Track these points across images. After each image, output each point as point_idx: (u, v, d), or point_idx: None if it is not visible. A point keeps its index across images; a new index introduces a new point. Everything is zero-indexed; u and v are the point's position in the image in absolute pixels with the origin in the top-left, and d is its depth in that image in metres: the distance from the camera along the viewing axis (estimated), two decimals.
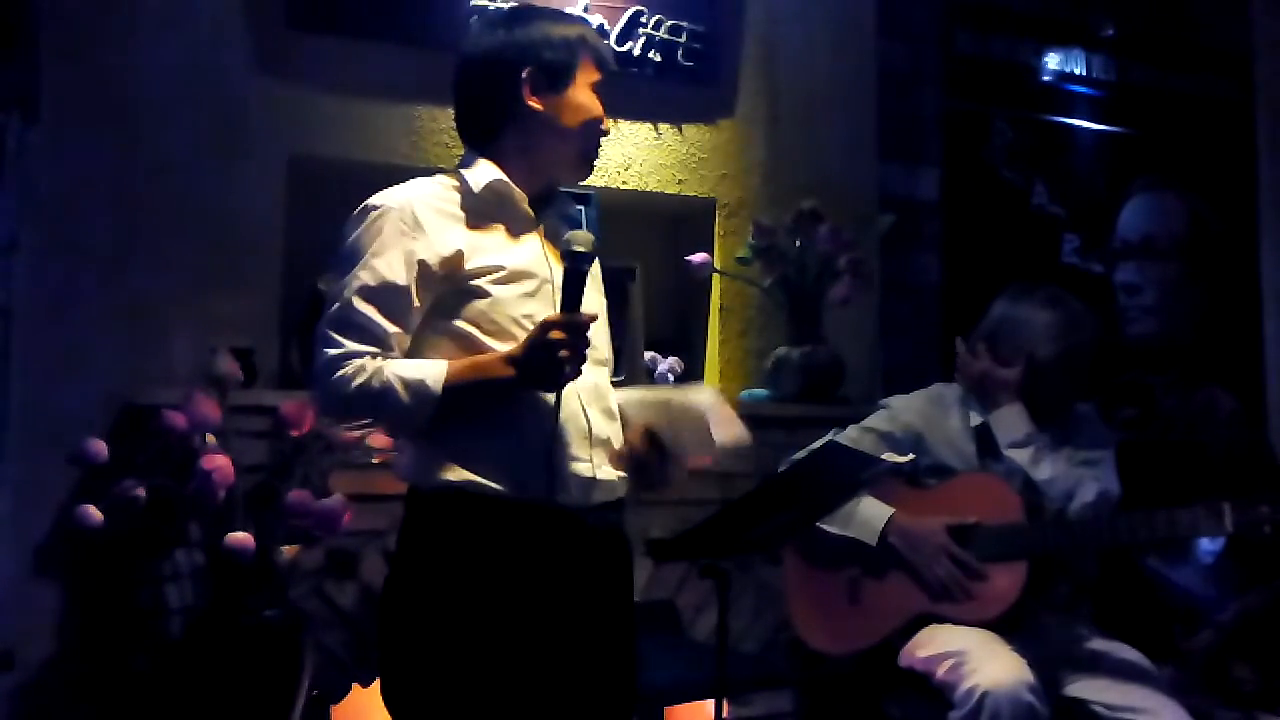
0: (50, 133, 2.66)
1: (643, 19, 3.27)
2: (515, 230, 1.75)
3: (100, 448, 2.45)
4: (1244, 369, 4.21)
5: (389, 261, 1.65)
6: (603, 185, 3.26)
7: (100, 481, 2.47)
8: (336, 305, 1.66)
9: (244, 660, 2.44)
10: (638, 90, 3.27)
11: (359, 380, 1.62)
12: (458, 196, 1.73)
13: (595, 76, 1.79)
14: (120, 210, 2.72)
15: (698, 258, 3.22)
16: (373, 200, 1.71)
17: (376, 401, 1.63)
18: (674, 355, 3.29)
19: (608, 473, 1.74)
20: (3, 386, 2.56)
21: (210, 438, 2.51)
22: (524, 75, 1.72)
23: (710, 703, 1.89)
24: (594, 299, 1.80)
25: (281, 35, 2.91)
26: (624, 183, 3.31)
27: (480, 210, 1.73)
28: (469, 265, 1.68)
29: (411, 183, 1.74)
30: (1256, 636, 3.22)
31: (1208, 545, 3.30)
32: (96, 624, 2.61)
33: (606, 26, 3.21)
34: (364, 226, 1.68)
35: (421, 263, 1.66)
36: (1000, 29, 4.12)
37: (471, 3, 3.05)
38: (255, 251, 2.86)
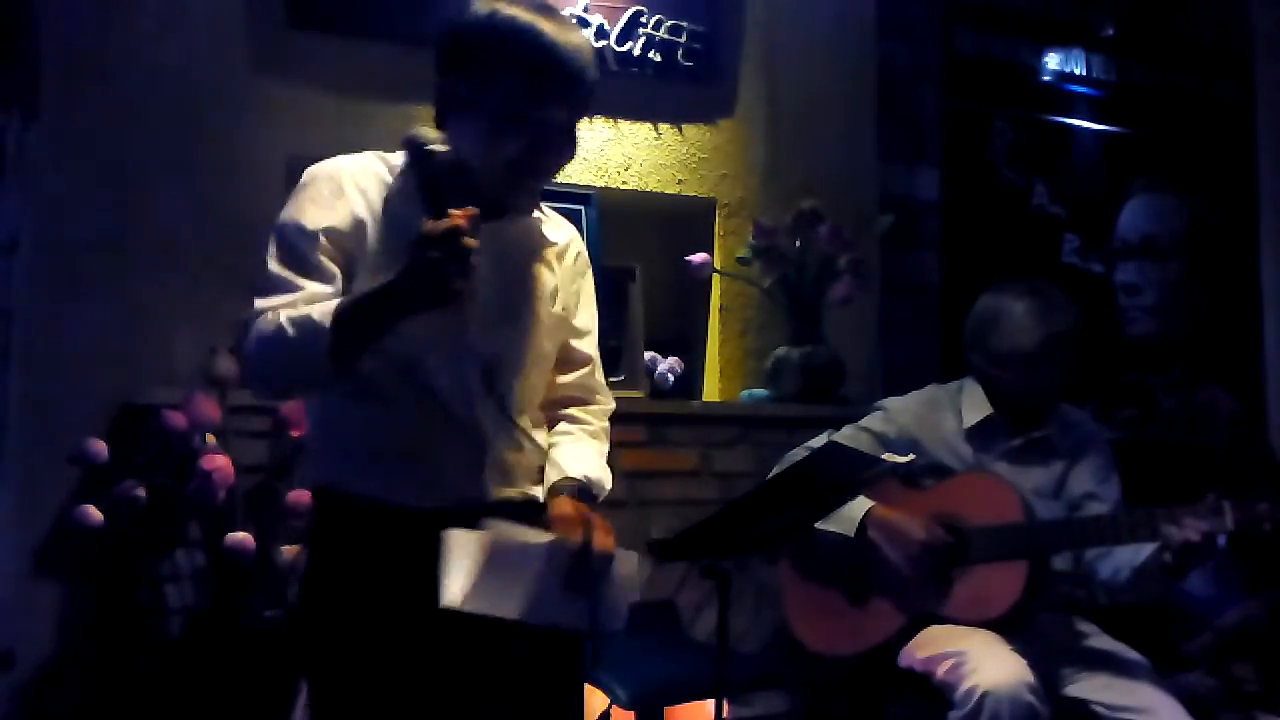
0: (50, 133, 2.66)
1: (643, 19, 3.27)
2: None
3: (100, 448, 2.45)
4: (1244, 369, 4.21)
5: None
6: (603, 185, 3.26)
7: (100, 481, 2.47)
8: (260, 277, 1.63)
9: (244, 660, 2.44)
10: (638, 90, 3.27)
11: (262, 327, 1.55)
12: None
13: (537, 81, 1.57)
14: (120, 210, 2.72)
15: (698, 258, 3.22)
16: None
17: (270, 348, 1.53)
18: (674, 355, 3.29)
19: (502, 475, 1.67)
20: (3, 386, 2.56)
21: (210, 438, 2.52)
22: (446, 78, 1.62)
23: (710, 703, 1.89)
24: (580, 288, 1.78)
25: (281, 35, 2.91)
26: (624, 183, 3.31)
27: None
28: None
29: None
30: (1257, 637, 3.22)
31: None
32: (96, 624, 2.61)
33: (606, 26, 3.20)
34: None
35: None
36: (1000, 29, 4.12)
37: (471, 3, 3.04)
38: (255, 252, 2.84)
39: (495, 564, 1.51)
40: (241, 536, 2.41)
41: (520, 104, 1.57)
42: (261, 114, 2.88)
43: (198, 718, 2.41)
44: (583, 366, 1.83)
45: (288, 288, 1.58)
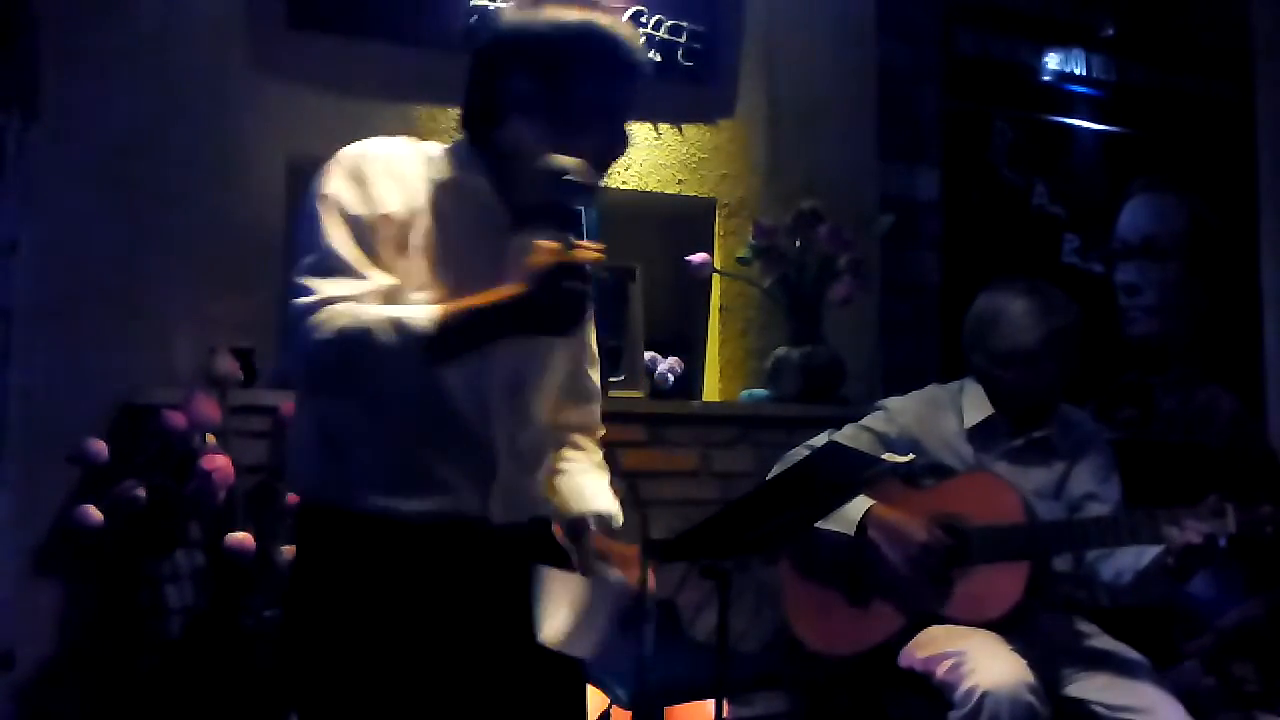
0: (50, 133, 2.66)
1: (643, 19, 3.27)
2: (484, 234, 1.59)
3: (100, 448, 2.45)
4: (1244, 369, 4.21)
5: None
6: (602, 185, 3.25)
7: (100, 481, 2.47)
8: (310, 256, 1.50)
9: (244, 660, 2.44)
10: (637, 90, 3.27)
11: (337, 322, 1.43)
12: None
13: (602, 83, 1.59)
14: (120, 210, 2.72)
15: (698, 258, 3.22)
16: None
17: (358, 346, 1.42)
18: (674, 355, 3.29)
19: (509, 496, 1.63)
20: (3, 386, 2.56)
21: (210, 438, 2.52)
22: (506, 77, 1.57)
23: (710, 703, 1.88)
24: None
25: (281, 35, 2.91)
26: (624, 183, 3.31)
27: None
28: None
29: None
30: (1257, 637, 3.22)
31: None
32: (96, 624, 2.61)
33: None
34: None
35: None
36: (1000, 29, 4.12)
37: (471, 2, 3.05)
38: (255, 252, 2.86)
39: (587, 605, 1.53)
40: (241, 536, 2.41)
41: (600, 95, 1.58)
42: (261, 114, 2.88)
43: (198, 718, 2.41)
44: (592, 401, 1.84)
45: (352, 273, 1.47)
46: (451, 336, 1.43)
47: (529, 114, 1.56)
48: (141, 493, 2.42)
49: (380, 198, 1.52)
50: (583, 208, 1.48)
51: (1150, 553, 2.29)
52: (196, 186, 2.80)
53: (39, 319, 2.63)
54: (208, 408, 2.49)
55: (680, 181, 3.41)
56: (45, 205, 2.66)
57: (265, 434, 2.61)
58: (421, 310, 1.44)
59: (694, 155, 3.43)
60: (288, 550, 2.50)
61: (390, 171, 1.55)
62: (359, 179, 1.53)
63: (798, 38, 3.57)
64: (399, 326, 1.41)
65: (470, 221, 1.57)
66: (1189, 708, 2.27)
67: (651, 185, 3.36)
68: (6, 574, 2.57)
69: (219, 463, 2.42)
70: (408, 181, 1.56)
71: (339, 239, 1.49)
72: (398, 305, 1.47)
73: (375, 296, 1.47)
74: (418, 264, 1.53)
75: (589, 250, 1.43)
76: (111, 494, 2.42)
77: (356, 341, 1.42)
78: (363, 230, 1.50)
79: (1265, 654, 3.19)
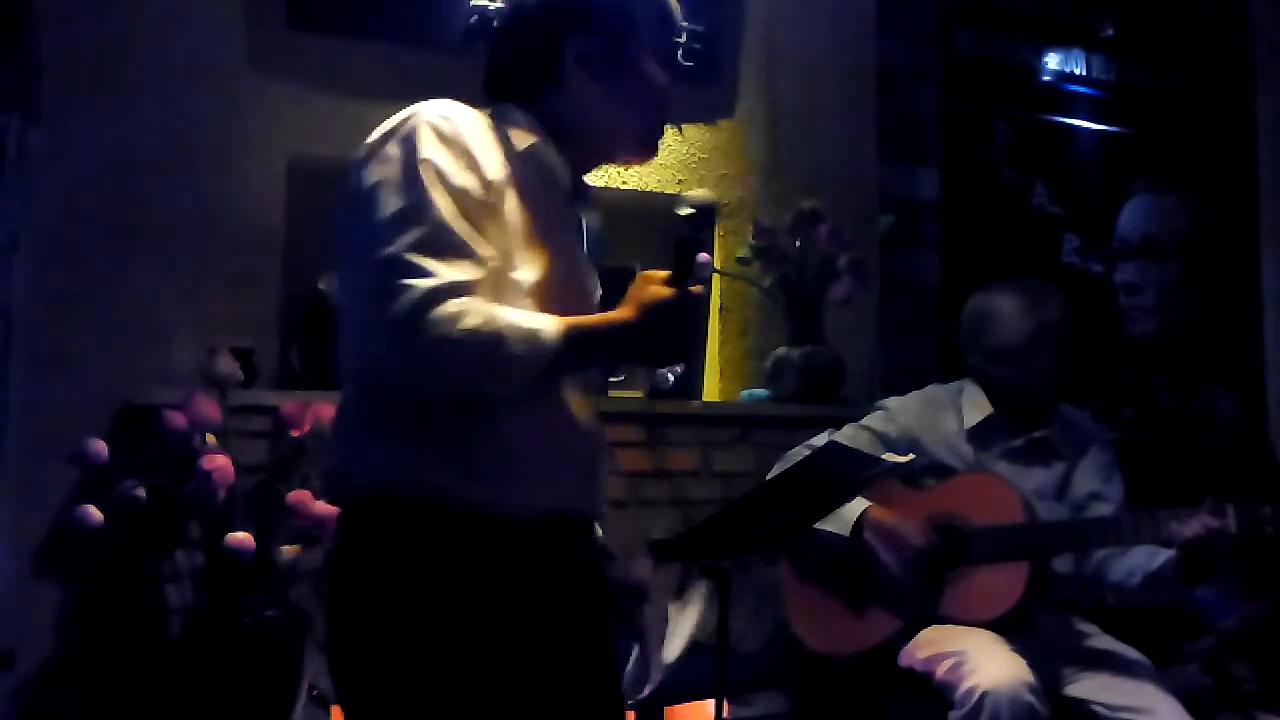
0: (50, 133, 2.66)
1: None
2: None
3: (100, 448, 2.45)
4: (1244, 369, 4.20)
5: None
6: (603, 185, 3.25)
7: (100, 481, 2.47)
8: (413, 231, 1.32)
9: (244, 660, 2.44)
10: None
11: (468, 322, 1.29)
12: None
13: (663, 41, 1.55)
14: (120, 210, 2.72)
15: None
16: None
17: (489, 352, 1.30)
18: None
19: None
20: (3, 386, 2.56)
21: (210, 438, 2.51)
22: (572, 34, 1.48)
23: (710, 703, 1.89)
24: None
25: (281, 35, 2.91)
26: (624, 183, 3.31)
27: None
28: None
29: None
30: (1257, 637, 3.22)
31: None
32: (96, 624, 2.61)
33: None
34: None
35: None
36: (1000, 29, 4.12)
37: (471, 2, 3.05)
38: (255, 251, 2.86)
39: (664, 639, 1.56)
40: (241, 536, 2.41)
41: (662, 55, 1.53)
42: (261, 114, 2.87)
43: (198, 718, 2.41)
44: None
45: (466, 252, 1.33)
46: (575, 355, 1.36)
47: (594, 75, 1.49)
48: (141, 493, 2.42)
49: (481, 165, 1.39)
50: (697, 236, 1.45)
51: (1162, 555, 2.30)
52: (196, 186, 2.80)
53: (39, 319, 2.63)
54: (208, 408, 2.49)
55: (680, 181, 3.41)
56: (45, 205, 2.65)
57: (265, 434, 2.60)
58: (548, 322, 1.34)
59: (694, 155, 3.43)
60: (288, 550, 2.50)
61: (481, 137, 1.43)
62: (456, 144, 1.38)
63: (798, 38, 3.57)
64: (531, 339, 1.32)
65: (545, 193, 1.48)
66: (1189, 708, 2.28)
67: (651, 185, 3.36)
68: (6, 574, 2.56)
69: (219, 463, 2.42)
70: (493, 148, 1.43)
71: (449, 211, 1.33)
72: (517, 307, 1.36)
73: (489, 279, 1.35)
74: (513, 239, 1.42)
75: (697, 285, 1.40)
76: (111, 494, 2.42)
77: (489, 347, 1.30)
78: (468, 202, 1.36)
79: (1264, 654, 3.19)
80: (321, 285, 2.76)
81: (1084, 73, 4.32)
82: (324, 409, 2.50)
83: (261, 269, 2.86)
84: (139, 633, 2.57)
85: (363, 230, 1.35)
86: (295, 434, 2.53)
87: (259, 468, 2.57)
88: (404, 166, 1.36)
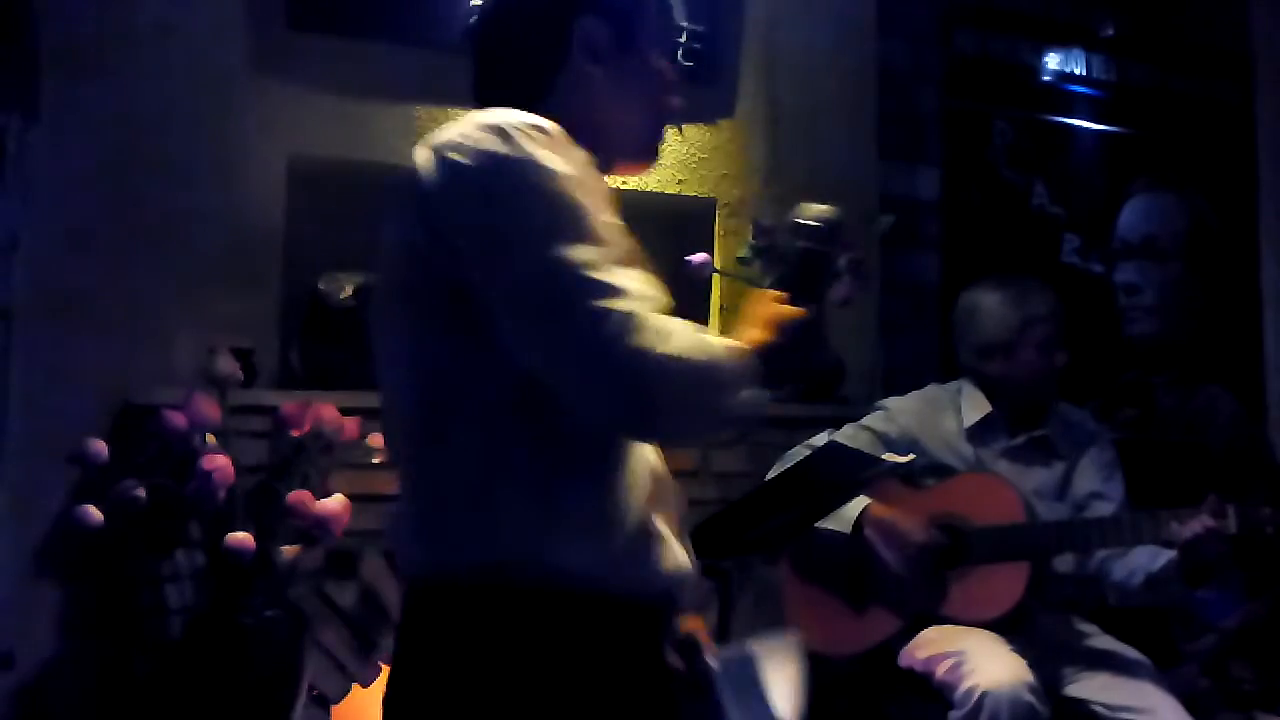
0: (50, 133, 2.66)
1: None
2: None
3: (100, 448, 2.45)
4: (1244, 369, 4.20)
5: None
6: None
7: (100, 481, 2.47)
8: (585, 246, 1.14)
9: (244, 660, 2.44)
10: None
11: (681, 343, 1.13)
12: None
13: (667, 35, 1.43)
14: (120, 210, 2.72)
15: (698, 258, 3.21)
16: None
17: (705, 376, 1.16)
18: None
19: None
20: (3, 386, 2.56)
21: (210, 438, 2.51)
22: (581, 18, 1.35)
23: None
24: None
25: (281, 35, 2.91)
26: (624, 183, 3.31)
27: None
28: None
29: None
30: (1257, 637, 3.22)
31: None
32: (96, 624, 2.61)
33: None
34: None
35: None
36: (1000, 29, 4.11)
37: (471, 2, 3.04)
38: (255, 251, 2.86)
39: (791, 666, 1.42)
40: (241, 536, 2.41)
41: (665, 35, 1.42)
42: (261, 114, 2.87)
43: (198, 718, 2.41)
44: None
45: (638, 267, 1.19)
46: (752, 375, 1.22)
47: (603, 65, 1.35)
48: (141, 493, 2.42)
49: (593, 174, 1.25)
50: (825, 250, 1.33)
51: (1163, 556, 2.30)
52: (196, 186, 2.80)
53: (39, 319, 2.63)
54: (208, 408, 2.49)
55: (680, 181, 3.41)
56: (45, 205, 2.65)
57: (265, 434, 2.60)
58: (729, 343, 1.23)
59: (694, 155, 3.43)
60: (288, 550, 2.50)
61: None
62: (565, 153, 1.22)
63: (798, 38, 3.56)
64: (741, 356, 1.21)
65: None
66: (1189, 708, 2.28)
67: (651, 185, 3.36)
68: (6, 574, 2.57)
69: (219, 463, 2.41)
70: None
71: (609, 224, 1.19)
72: (676, 320, 1.19)
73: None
74: None
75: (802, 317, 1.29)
76: (111, 494, 2.42)
77: (706, 371, 1.16)
78: (610, 213, 1.22)
79: (1264, 654, 3.19)
80: (321, 285, 2.76)
81: (1084, 73, 4.31)
82: (324, 409, 2.50)
83: (261, 269, 2.86)
84: (139, 633, 2.57)
85: (512, 241, 1.15)
86: (295, 434, 2.52)
87: (259, 468, 2.57)
88: (545, 182, 1.17)
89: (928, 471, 2.54)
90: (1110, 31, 4.30)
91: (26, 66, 2.61)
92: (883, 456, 1.81)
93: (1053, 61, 4.25)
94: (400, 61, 2.97)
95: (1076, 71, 4.30)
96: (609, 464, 1.22)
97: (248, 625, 2.46)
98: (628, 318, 1.11)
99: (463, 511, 1.19)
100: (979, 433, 2.56)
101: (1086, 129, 4.32)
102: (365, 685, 2.67)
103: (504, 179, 1.17)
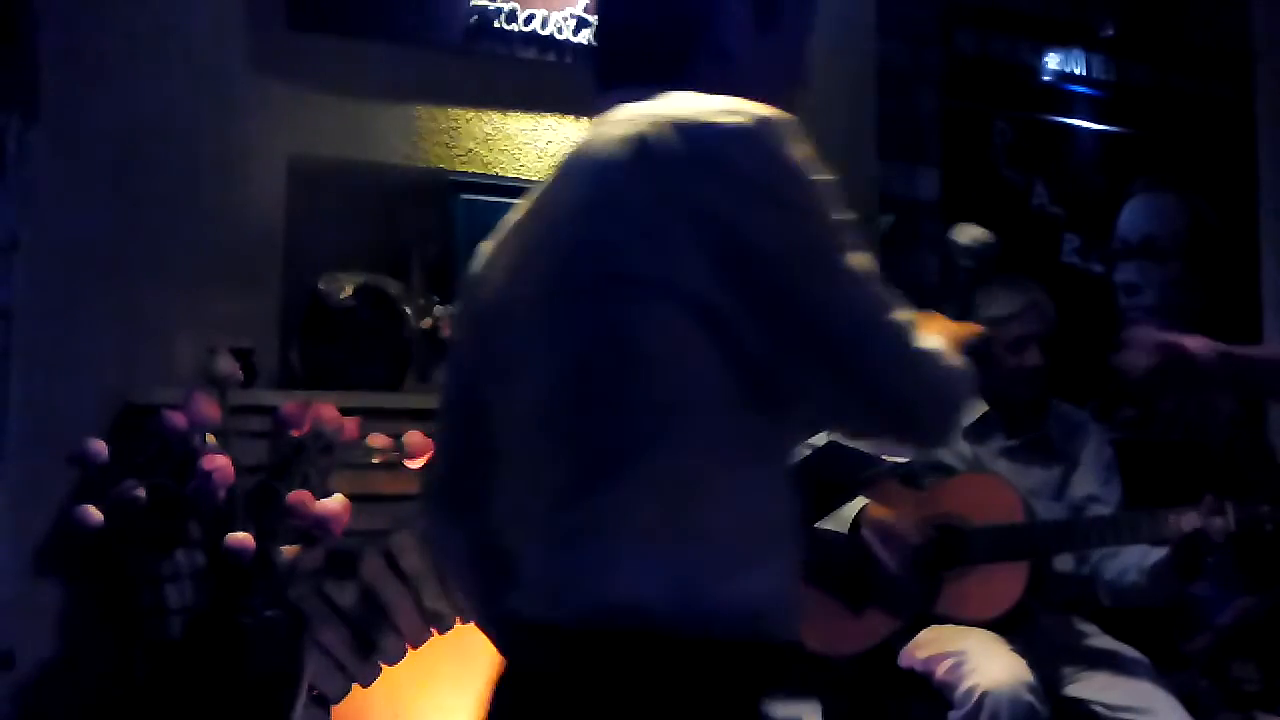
0: (50, 133, 2.66)
1: None
2: None
3: (100, 448, 2.45)
4: None
5: None
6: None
7: (100, 481, 2.47)
8: (869, 280, 1.16)
9: (244, 660, 2.44)
10: None
11: (953, 355, 1.15)
12: None
13: (809, 13, 1.37)
14: (120, 210, 2.72)
15: None
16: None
17: (969, 380, 1.16)
18: None
19: None
20: (3, 386, 2.56)
21: (210, 438, 2.51)
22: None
23: None
24: None
25: (281, 35, 2.91)
26: None
27: None
28: None
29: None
30: (1257, 637, 3.22)
31: None
32: (96, 624, 2.61)
33: None
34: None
35: None
36: (1000, 29, 4.11)
37: (471, 2, 3.05)
38: (255, 251, 2.86)
39: None
40: (241, 536, 2.41)
41: (808, 32, 1.36)
42: (261, 114, 2.87)
43: (198, 717, 2.41)
44: None
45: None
46: None
47: (756, 25, 1.29)
48: (141, 493, 2.42)
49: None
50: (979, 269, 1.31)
51: (1155, 553, 2.30)
52: (196, 186, 2.80)
53: (39, 319, 2.63)
54: (208, 408, 2.49)
55: None
56: (45, 205, 2.66)
57: (265, 434, 2.60)
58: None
59: None
60: (288, 550, 2.50)
61: None
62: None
63: None
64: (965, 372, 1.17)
65: None
66: (1189, 708, 2.28)
67: None
68: (6, 574, 2.57)
69: (219, 463, 2.41)
70: None
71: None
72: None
73: None
74: None
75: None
76: (111, 494, 2.42)
77: (965, 381, 1.15)
78: None
79: (1265, 654, 3.19)
80: (321, 285, 2.76)
81: (1084, 73, 4.31)
82: (324, 409, 2.50)
83: (261, 269, 2.86)
84: (139, 633, 2.57)
85: (813, 253, 1.15)
86: (295, 434, 2.52)
87: (259, 468, 2.57)
88: (813, 181, 1.19)
89: (927, 471, 2.54)
90: (1110, 31, 4.30)
91: (27, 67, 2.61)
92: (882, 456, 1.81)
93: (1053, 61, 4.25)
94: (400, 61, 2.97)
95: (1076, 71, 4.30)
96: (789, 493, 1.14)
97: (248, 625, 2.46)
98: (915, 326, 1.12)
99: (655, 544, 1.02)
100: (977, 430, 2.56)
101: (1086, 129, 4.32)
102: (365, 685, 2.67)
103: (797, 185, 1.17)
